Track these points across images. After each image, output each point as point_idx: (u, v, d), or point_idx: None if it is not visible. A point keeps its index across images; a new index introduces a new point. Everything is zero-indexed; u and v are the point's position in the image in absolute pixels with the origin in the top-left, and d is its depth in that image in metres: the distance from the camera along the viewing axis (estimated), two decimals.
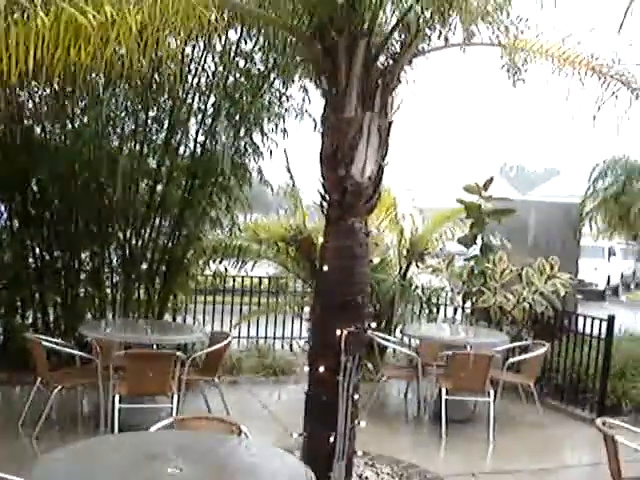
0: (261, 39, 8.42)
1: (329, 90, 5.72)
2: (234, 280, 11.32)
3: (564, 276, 9.48)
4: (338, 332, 5.51)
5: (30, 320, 9.05)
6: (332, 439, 5.65)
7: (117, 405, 6.57)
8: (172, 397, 6.68)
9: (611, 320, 8.55)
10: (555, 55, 6.09)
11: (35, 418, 6.81)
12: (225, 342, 7.46)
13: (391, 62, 5.80)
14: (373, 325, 6.03)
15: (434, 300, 10.94)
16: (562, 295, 9.45)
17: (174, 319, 9.55)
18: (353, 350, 5.59)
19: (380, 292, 10.32)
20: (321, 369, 5.63)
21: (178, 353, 6.74)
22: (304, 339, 10.56)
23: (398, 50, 5.86)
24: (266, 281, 11.68)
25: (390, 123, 5.75)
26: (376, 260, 9.92)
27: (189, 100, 8.87)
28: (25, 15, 3.87)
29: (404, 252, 10.77)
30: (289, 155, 10.08)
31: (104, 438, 4.49)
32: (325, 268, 5.61)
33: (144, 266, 9.18)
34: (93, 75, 7.48)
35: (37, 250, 8.99)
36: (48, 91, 8.47)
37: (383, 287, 10.35)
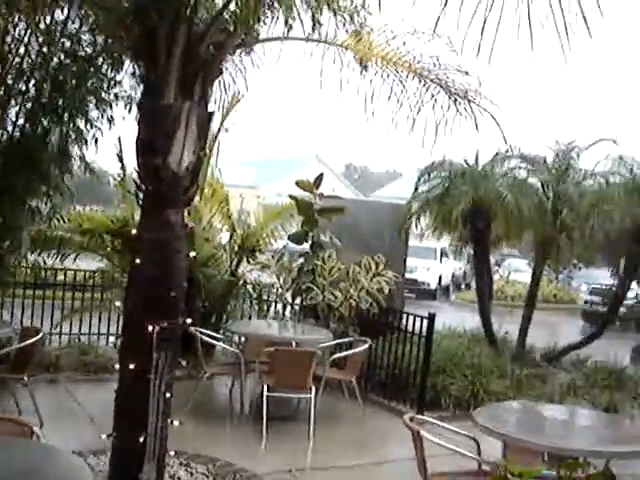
0: (90, 20, 8.00)
1: (147, 76, 5.51)
2: (56, 274, 10.81)
3: (389, 274, 9.69)
4: (150, 328, 5.31)
5: None
6: (142, 439, 5.45)
7: None
8: None
9: (432, 318, 8.78)
10: (379, 56, 6.14)
11: None
12: (35, 339, 7.05)
13: (213, 51, 5.65)
14: (189, 321, 5.83)
15: (264, 297, 10.89)
16: (387, 293, 9.64)
17: None
18: (166, 347, 5.40)
19: (210, 288, 10.15)
20: (132, 366, 5.41)
21: None
22: None
23: (221, 39, 5.73)
24: (93, 275, 11.22)
25: (210, 114, 5.61)
26: (202, 255, 9.72)
27: (9, 81, 8.36)
28: None
29: (235, 248, 10.65)
30: (123, 143, 9.77)
31: None
32: (138, 261, 5.39)
33: None
34: None
35: None
36: None
37: (213, 283, 10.19)
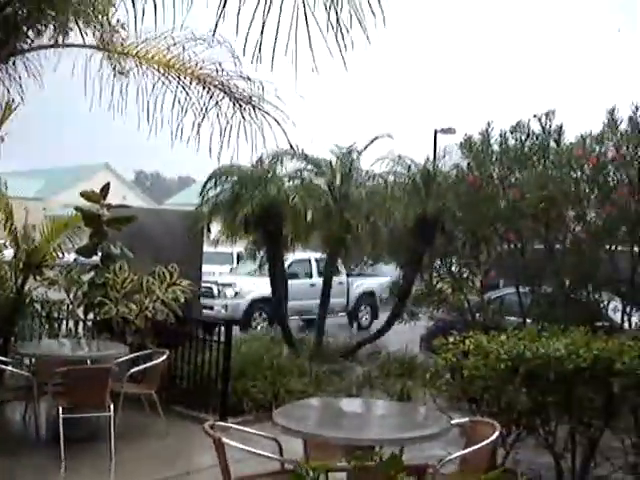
0: None
1: None
2: None
3: (184, 283, 9.62)
4: None
5: None
6: None
7: None
8: None
9: (229, 324, 8.83)
10: (161, 62, 6.11)
11: None
12: None
13: None
14: None
15: (55, 314, 10.39)
16: (183, 301, 9.56)
17: None
18: None
19: None
20: None
21: None
22: None
23: None
24: None
25: None
26: None
27: None
28: None
29: (20, 265, 10.08)
30: None
31: None
32: None
33: None
34: None
35: None
36: None
37: None
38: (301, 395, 9.22)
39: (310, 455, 5.29)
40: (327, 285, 13.50)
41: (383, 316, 16.95)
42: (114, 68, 6.06)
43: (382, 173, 12.55)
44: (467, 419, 5.89)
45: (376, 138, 12.74)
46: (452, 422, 5.50)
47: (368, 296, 21.27)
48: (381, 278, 18.74)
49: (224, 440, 4.85)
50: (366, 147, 12.66)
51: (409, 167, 12.12)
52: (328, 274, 13.61)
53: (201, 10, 4.20)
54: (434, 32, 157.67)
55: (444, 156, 11.27)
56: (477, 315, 10.09)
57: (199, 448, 8.41)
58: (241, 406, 9.10)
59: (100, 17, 5.62)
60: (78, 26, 5.65)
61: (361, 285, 21.10)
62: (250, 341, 11.23)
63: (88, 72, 6.24)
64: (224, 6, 3.49)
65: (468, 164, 9.66)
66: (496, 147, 9.37)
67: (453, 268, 10.64)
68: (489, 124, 9.45)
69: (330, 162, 12.69)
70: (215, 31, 3.89)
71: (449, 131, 28.09)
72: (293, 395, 9.30)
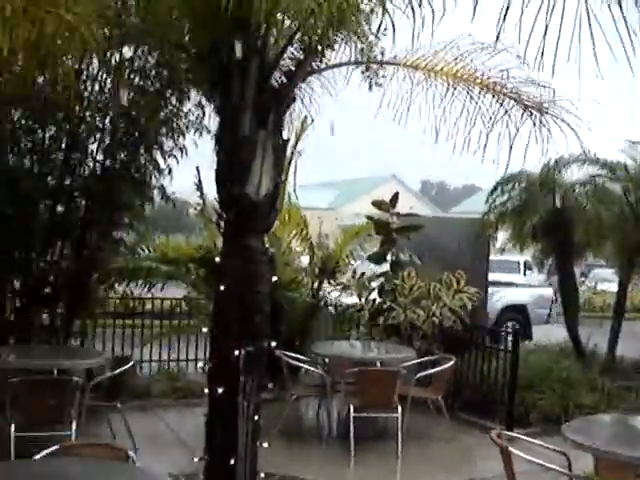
0: (155, 55, 8.25)
1: (223, 108, 5.68)
2: (144, 303, 11.11)
3: (471, 290, 9.62)
4: (236, 352, 5.43)
5: None
6: (233, 462, 5.55)
7: (12, 434, 6.33)
8: (71, 424, 6.46)
9: (516, 332, 8.68)
10: (449, 74, 6.16)
11: None
12: (126, 367, 7.31)
13: (285, 80, 5.79)
14: (274, 344, 5.96)
15: (347, 318, 10.92)
16: (470, 309, 9.57)
17: (82, 344, 9.31)
18: (252, 370, 5.52)
19: (292, 311, 10.26)
20: (220, 390, 5.54)
21: (75, 378, 6.53)
22: None
23: (292, 68, 5.87)
24: (179, 303, 11.47)
25: (285, 141, 5.73)
26: (283, 279, 9.82)
27: (87, 118, 8.72)
28: None
29: (316, 270, 10.73)
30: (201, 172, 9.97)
31: None
32: (222, 287, 5.54)
33: (47, 290, 8.91)
34: None
35: None
36: None
37: (295, 306, 10.29)
38: (591, 410, 8.81)
39: (600, 473, 5.05)
40: (622, 296, 12.77)
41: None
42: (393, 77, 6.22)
43: None
44: None
45: None
46: None
47: (513, 311, 16.42)
48: (533, 289, 15.62)
49: (511, 450, 4.79)
50: None
51: None
52: (624, 284, 12.83)
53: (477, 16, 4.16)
54: None
55: None
56: None
57: (484, 456, 8.32)
58: (527, 418, 8.89)
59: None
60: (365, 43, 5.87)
61: (504, 297, 16.39)
62: (537, 352, 10.93)
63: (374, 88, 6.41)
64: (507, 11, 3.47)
65: None
66: None
67: None
68: None
69: (625, 165, 11.98)
70: (498, 37, 3.87)
71: None
72: (583, 410, 8.90)
